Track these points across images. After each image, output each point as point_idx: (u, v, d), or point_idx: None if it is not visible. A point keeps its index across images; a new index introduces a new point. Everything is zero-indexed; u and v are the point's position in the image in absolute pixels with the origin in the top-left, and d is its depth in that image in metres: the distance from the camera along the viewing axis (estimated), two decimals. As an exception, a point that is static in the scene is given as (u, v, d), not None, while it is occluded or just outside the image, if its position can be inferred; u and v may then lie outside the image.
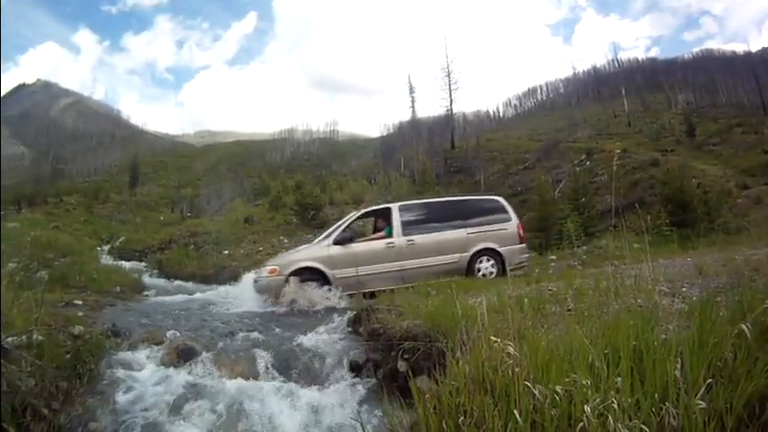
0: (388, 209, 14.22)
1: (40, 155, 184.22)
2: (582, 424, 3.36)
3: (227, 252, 31.60)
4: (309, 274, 12.78)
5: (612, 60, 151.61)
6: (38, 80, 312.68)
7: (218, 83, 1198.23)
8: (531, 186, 45.93)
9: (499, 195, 16.23)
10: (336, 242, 13.35)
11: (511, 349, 4.05)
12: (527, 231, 17.14)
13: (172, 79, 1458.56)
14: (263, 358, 7.65)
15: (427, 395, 4.18)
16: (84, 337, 7.13)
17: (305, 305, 11.94)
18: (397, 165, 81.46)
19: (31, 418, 4.93)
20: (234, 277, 20.49)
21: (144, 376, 6.73)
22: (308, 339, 8.64)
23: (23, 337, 5.90)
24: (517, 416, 3.50)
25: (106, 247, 41.31)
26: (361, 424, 4.78)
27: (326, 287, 12.54)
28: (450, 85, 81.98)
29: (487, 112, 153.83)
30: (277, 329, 9.57)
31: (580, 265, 15.44)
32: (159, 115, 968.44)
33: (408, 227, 13.78)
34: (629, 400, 3.42)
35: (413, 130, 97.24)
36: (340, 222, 14.50)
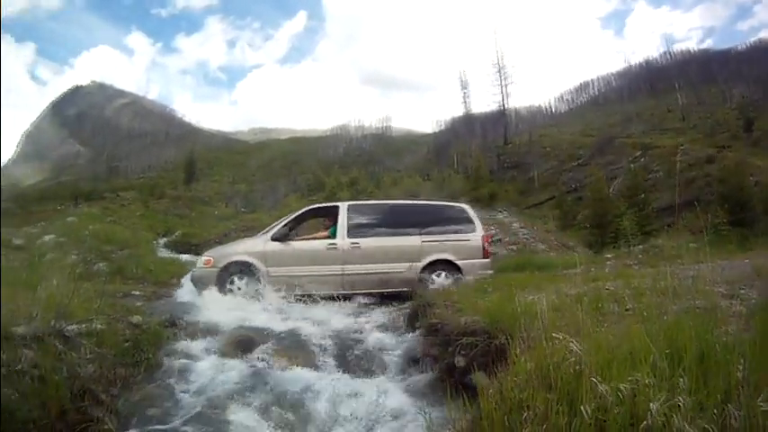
0: (336, 207, 13.37)
1: (96, 153, 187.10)
2: (645, 423, 3.36)
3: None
4: (242, 269, 12.24)
5: (665, 53, 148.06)
6: (92, 82, 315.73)
7: (271, 81, 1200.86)
8: (586, 183, 45.42)
9: (466, 203, 15.44)
10: (274, 238, 12.64)
11: (574, 346, 4.08)
12: (582, 228, 16.70)
13: (224, 78, 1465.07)
14: (320, 350, 7.84)
15: (491, 390, 4.21)
16: (143, 327, 7.35)
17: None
18: (450, 161, 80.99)
19: (89, 402, 5.06)
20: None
21: (202, 366, 6.90)
22: (365, 333, 8.85)
23: (84, 325, 6.06)
24: (584, 413, 3.52)
25: (162, 241, 41.53)
26: (428, 417, 4.85)
27: (260, 285, 11.94)
28: (501, 80, 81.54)
29: (540, 107, 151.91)
30: (334, 322, 9.69)
31: (636, 265, 14.33)
32: (213, 113, 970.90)
33: (356, 229, 12.91)
34: (693, 401, 3.42)
35: (466, 126, 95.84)
36: (284, 218, 13.90)
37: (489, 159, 70.08)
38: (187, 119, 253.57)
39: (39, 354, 4.94)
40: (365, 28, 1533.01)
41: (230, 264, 12.31)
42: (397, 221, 13.33)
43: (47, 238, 25.32)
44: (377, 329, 9.17)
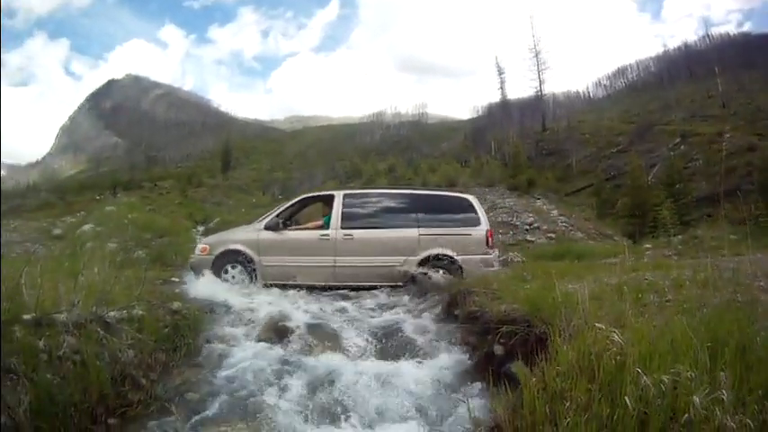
0: (332, 196, 12.95)
1: (133, 144, 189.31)
2: (687, 416, 3.36)
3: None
4: (236, 257, 12.21)
5: (704, 36, 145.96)
6: (127, 75, 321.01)
7: (306, 69, 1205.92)
8: (625, 171, 44.61)
9: (471, 194, 14.44)
10: (267, 227, 12.47)
11: (616, 337, 4.05)
12: (621, 217, 16.35)
13: (259, 68, 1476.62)
14: (358, 337, 7.83)
15: (533, 379, 4.18)
16: (182, 313, 7.43)
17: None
18: (488, 147, 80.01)
19: (129, 387, 5.15)
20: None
21: (240, 351, 6.94)
22: (402, 319, 8.82)
23: (125, 311, 6.13)
24: (628, 403, 3.48)
25: (201, 228, 41.76)
26: (469, 407, 4.83)
27: (253, 273, 12.02)
28: (538, 65, 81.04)
29: (577, 92, 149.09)
30: (372, 308, 9.76)
31: (675, 256, 14.25)
32: (249, 103, 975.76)
33: (350, 219, 12.47)
34: (734, 395, 3.39)
35: (503, 112, 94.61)
36: (279, 207, 13.54)
37: (527, 146, 69.44)
38: (223, 108, 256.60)
39: (80, 340, 5.00)
40: (399, 14, 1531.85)
41: (225, 252, 12.36)
42: (394, 212, 12.87)
43: (86, 227, 25.72)
44: (413, 316, 9.15)
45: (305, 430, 4.92)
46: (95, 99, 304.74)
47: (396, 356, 7.10)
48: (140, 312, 6.42)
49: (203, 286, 10.91)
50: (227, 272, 12.08)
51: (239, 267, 12.09)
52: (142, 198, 55.65)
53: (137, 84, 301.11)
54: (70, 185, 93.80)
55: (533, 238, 26.65)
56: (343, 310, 9.69)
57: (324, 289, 11.64)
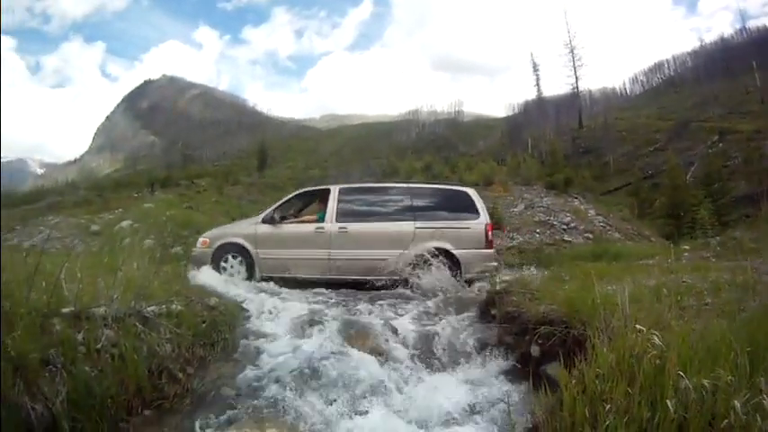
0: (327, 190, 13.03)
1: (169, 143, 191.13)
2: (727, 421, 3.34)
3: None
4: (235, 250, 12.53)
5: (740, 30, 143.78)
6: (162, 75, 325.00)
7: (341, 68, 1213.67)
8: (663, 169, 44.15)
9: (470, 187, 14.37)
10: (264, 221, 12.76)
11: (657, 339, 4.01)
12: (658, 217, 16.08)
13: (294, 67, 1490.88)
14: (394, 335, 7.79)
15: (573, 380, 4.15)
16: (219, 308, 7.53)
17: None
18: (524, 145, 79.33)
19: (166, 380, 5.23)
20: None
21: (276, 346, 6.98)
22: (436, 318, 8.81)
23: (163, 306, 6.22)
24: (669, 406, 3.46)
25: (238, 225, 42.25)
26: (507, 408, 4.84)
27: (250, 266, 12.35)
28: (573, 61, 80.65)
29: (614, 89, 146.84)
30: (409, 306, 9.69)
31: (713, 257, 13.89)
32: (284, 101, 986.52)
33: (346, 212, 12.55)
34: None
35: (538, 109, 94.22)
36: (278, 202, 13.73)
37: (564, 143, 69.17)
38: (259, 107, 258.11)
39: (119, 333, 5.09)
40: (433, 12, 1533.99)
41: (223, 245, 12.64)
42: (390, 206, 12.90)
43: (124, 223, 26.07)
44: (448, 314, 9.11)
45: (339, 427, 4.91)
46: (131, 99, 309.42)
47: (431, 356, 7.13)
48: (178, 307, 6.52)
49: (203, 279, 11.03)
50: (226, 262, 12.44)
51: (237, 259, 12.43)
52: (179, 195, 55.86)
53: (172, 84, 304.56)
54: (107, 183, 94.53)
55: (570, 238, 26.44)
56: (373, 305, 9.76)
57: (319, 282, 11.83)
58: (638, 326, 4.27)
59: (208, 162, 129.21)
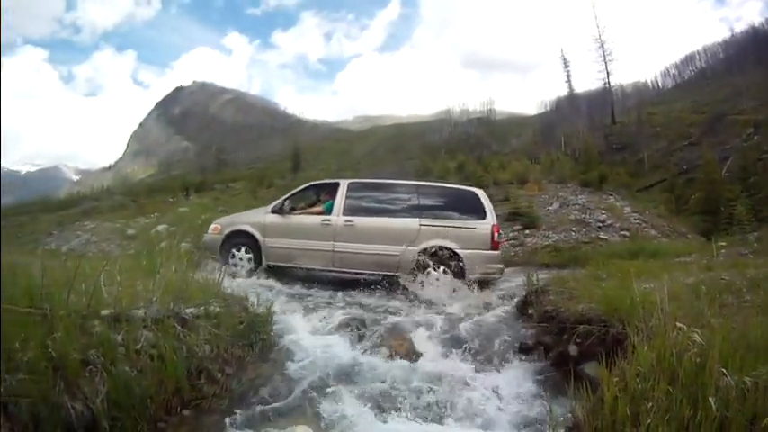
0: (337, 184, 13.10)
1: (203, 148, 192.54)
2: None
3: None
4: (244, 239, 12.75)
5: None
6: (194, 81, 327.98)
7: (371, 70, 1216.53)
8: (698, 164, 43.54)
9: (478, 187, 14.46)
10: (273, 211, 12.95)
11: (697, 337, 3.97)
12: (694, 213, 15.87)
13: (324, 70, 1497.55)
14: (431, 335, 7.79)
15: (615, 379, 4.12)
16: (256, 309, 7.53)
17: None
18: (557, 143, 78.63)
19: (205, 381, 5.31)
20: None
21: (314, 347, 6.98)
22: (474, 319, 8.70)
23: (201, 308, 6.30)
24: (712, 404, 3.43)
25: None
26: (548, 407, 4.85)
27: (258, 254, 12.55)
28: (604, 55, 79.61)
29: (646, 82, 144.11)
30: (446, 307, 9.69)
31: (751, 254, 13.44)
32: (316, 104, 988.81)
33: (353, 207, 12.57)
34: None
35: (570, 106, 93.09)
36: (288, 193, 13.95)
37: (597, 140, 68.42)
38: (290, 111, 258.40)
39: (158, 335, 5.18)
40: (460, 10, 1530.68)
41: (233, 232, 12.90)
42: (397, 202, 12.83)
43: (160, 227, 26.30)
44: (485, 313, 9.14)
45: (375, 428, 4.92)
46: (164, 106, 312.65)
47: (469, 355, 7.08)
48: (217, 309, 6.60)
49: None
50: (237, 249, 12.68)
51: (245, 247, 12.64)
52: (214, 199, 56.18)
53: (204, 90, 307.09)
54: (142, 188, 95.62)
55: (606, 236, 26.17)
56: (407, 306, 9.82)
57: (322, 274, 12.17)
58: (677, 324, 4.25)
59: (241, 166, 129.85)
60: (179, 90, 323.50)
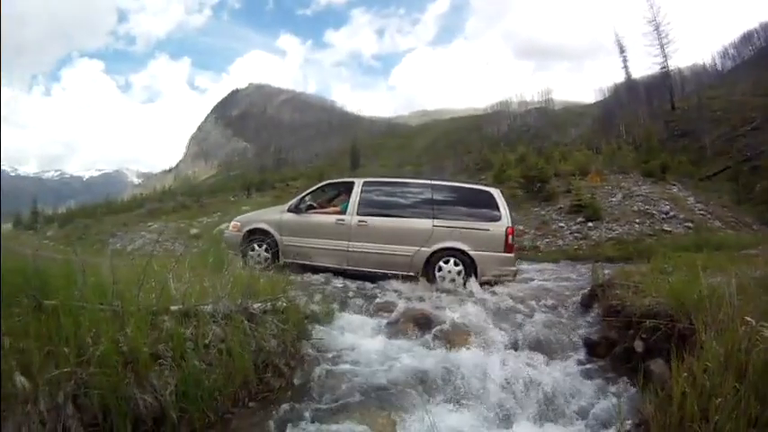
0: (352, 183, 13.08)
1: (262, 148, 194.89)
2: None
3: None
4: (262, 236, 12.76)
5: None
6: (249, 84, 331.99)
7: (425, 64, 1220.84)
8: (762, 150, 42.61)
9: (495, 187, 13.90)
10: (290, 209, 12.97)
11: (766, 332, 3.90)
12: (759, 203, 15.41)
13: (379, 66, 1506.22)
14: (496, 331, 7.65)
15: (684, 374, 4.04)
16: (321, 305, 7.75)
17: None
18: (617, 131, 77.26)
19: (271, 374, 5.44)
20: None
21: (378, 343, 7.02)
22: (539, 314, 8.66)
23: (269, 303, 6.42)
24: None
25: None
26: (616, 403, 4.84)
27: (272, 251, 12.47)
28: (660, 39, 77.42)
29: (704, 65, 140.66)
30: (509, 303, 9.57)
31: None
32: (372, 100, 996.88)
33: (367, 206, 12.51)
34: None
35: (629, 93, 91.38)
36: (305, 191, 13.88)
37: (657, 127, 67.10)
38: (347, 108, 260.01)
39: (226, 329, 5.31)
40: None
41: (252, 230, 13.01)
42: (411, 202, 12.71)
43: (224, 225, 26.62)
44: (551, 309, 9.09)
45: (441, 421, 4.89)
46: (221, 108, 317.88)
47: (535, 351, 6.98)
48: (284, 304, 6.71)
49: None
50: (253, 249, 12.68)
51: (263, 245, 12.62)
52: (275, 198, 56.55)
53: (260, 91, 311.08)
54: (203, 189, 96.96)
55: (670, 228, 25.78)
56: (467, 303, 9.54)
57: (337, 272, 11.91)
58: (746, 318, 4.18)
59: (301, 164, 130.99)
60: (235, 93, 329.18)
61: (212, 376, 4.67)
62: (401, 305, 8.92)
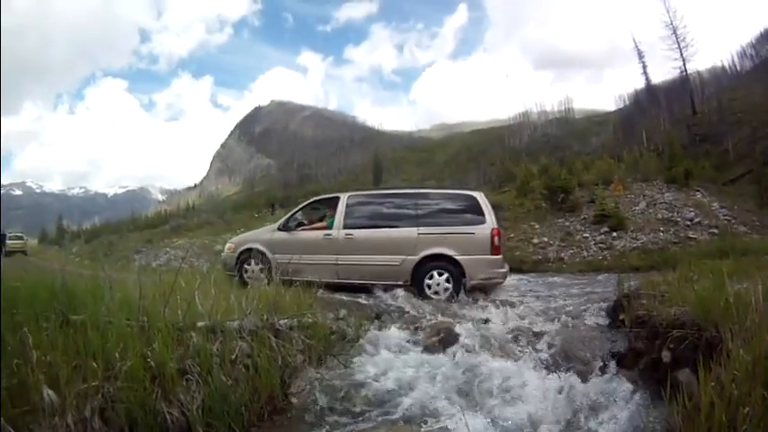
0: (338, 198, 13.35)
1: (285, 164, 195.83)
2: None
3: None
4: (256, 256, 13.18)
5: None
6: (271, 101, 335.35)
7: (445, 77, 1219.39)
8: (785, 152, 42.39)
9: (478, 191, 13.55)
10: (280, 228, 13.45)
11: None
12: None
13: (399, 80, 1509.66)
14: (523, 343, 7.66)
15: (711, 384, 4.01)
16: (348, 320, 7.79)
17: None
18: (638, 138, 76.76)
19: (297, 389, 5.48)
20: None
21: (406, 358, 6.96)
22: (565, 326, 8.64)
23: (295, 319, 6.46)
24: None
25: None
26: (647, 413, 4.88)
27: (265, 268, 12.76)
28: (678, 42, 76.59)
29: (723, 66, 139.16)
30: (534, 316, 9.51)
31: None
32: (393, 115, 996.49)
33: (353, 219, 12.85)
34: None
35: (649, 99, 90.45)
36: (294, 210, 14.40)
37: (679, 132, 66.57)
38: (369, 123, 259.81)
39: (252, 345, 5.36)
40: (528, 9, 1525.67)
41: (245, 250, 13.50)
42: (395, 212, 12.96)
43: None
44: (574, 319, 9.03)
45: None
46: (244, 126, 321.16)
47: (562, 362, 6.90)
48: (310, 320, 6.79)
49: None
50: (248, 266, 13.23)
51: (256, 263, 13.09)
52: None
53: (282, 108, 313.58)
54: (227, 205, 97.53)
55: (695, 235, 25.58)
56: (493, 316, 9.54)
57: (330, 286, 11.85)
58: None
59: (324, 179, 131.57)
60: (258, 110, 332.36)
61: (238, 391, 4.70)
62: (428, 319, 8.92)
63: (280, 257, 12.37)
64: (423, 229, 12.16)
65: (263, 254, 13.10)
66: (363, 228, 12.69)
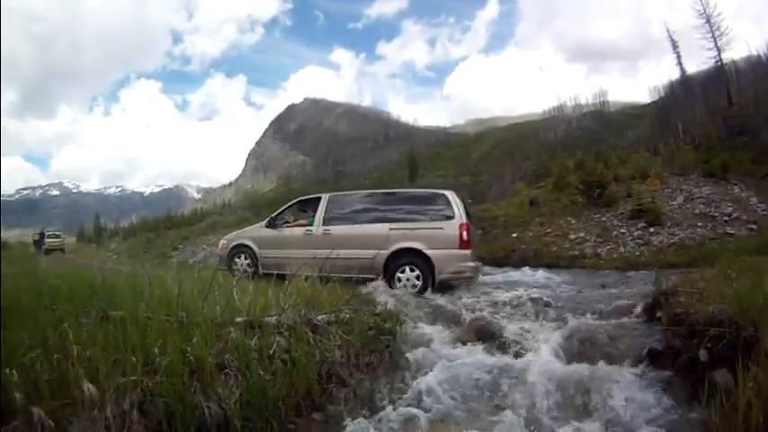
0: (319, 198, 14.47)
1: (320, 161, 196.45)
2: None
3: (515, 235, 30.79)
4: (245, 250, 14.51)
5: None
6: (305, 98, 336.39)
7: (479, 71, 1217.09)
8: (825, 144, 41.61)
9: (450, 190, 14.36)
10: (267, 225, 14.63)
11: None
12: None
13: (433, 75, 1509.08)
14: (560, 340, 7.63)
15: (750, 383, 4.00)
16: (385, 316, 7.71)
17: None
18: (674, 131, 75.86)
19: (335, 384, 5.47)
20: (524, 260, 21.85)
21: (443, 355, 6.97)
22: (602, 323, 8.54)
23: (333, 315, 6.57)
24: None
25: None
26: (687, 413, 4.86)
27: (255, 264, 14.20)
28: (712, 31, 75.32)
29: (759, 55, 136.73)
30: (570, 314, 9.32)
31: None
32: (428, 111, 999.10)
33: (332, 217, 13.85)
34: None
35: (684, 90, 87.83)
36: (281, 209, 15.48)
37: (715, 125, 65.72)
38: (403, 119, 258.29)
39: (290, 340, 5.43)
40: (558, 1, 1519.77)
41: (236, 246, 14.87)
42: (369, 210, 13.92)
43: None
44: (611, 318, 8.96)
45: (507, 428, 4.91)
46: (278, 123, 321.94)
47: (598, 360, 6.86)
48: (348, 315, 6.86)
49: None
50: (237, 261, 14.56)
51: (246, 259, 14.47)
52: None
53: (316, 105, 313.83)
54: (263, 202, 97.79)
55: (733, 231, 25.12)
56: (532, 309, 9.75)
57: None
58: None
59: (359, 176, 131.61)
60: (292, 108, 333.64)
61: (276, 386, 4.73)
62: (465, 316, 8.94)
63: (265, 252, 14.28)
64: (394, 225, 13.11)
65: (250, 248, 14.46)
66: (340, 225, 13.67)
